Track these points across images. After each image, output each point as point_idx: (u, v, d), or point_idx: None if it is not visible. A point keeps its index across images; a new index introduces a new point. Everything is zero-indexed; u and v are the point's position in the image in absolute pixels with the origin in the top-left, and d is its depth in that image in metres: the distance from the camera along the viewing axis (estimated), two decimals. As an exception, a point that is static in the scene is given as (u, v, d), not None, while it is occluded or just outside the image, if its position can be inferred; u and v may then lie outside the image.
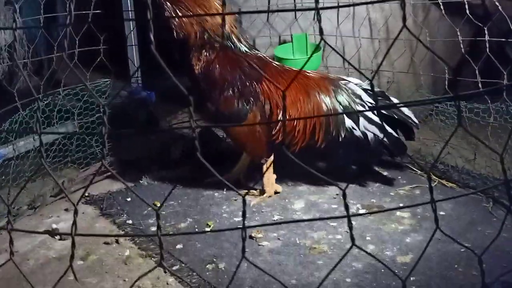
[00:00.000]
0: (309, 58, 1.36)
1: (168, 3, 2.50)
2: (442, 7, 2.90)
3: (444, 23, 3.24)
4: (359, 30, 3.54)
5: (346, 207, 1.14)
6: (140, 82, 3.96)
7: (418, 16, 3.60)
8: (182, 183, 2.84)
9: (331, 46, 1.17)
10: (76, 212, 1.13)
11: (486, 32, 2.60)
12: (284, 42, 3.60)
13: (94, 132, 3.00)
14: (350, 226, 1.14)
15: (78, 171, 2.90)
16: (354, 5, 1.34)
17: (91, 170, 2.91)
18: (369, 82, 2.71)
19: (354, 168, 2.97)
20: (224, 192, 2.74)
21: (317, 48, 2.59)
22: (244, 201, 1.10)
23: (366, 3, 3.17)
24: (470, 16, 2.67)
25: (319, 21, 1.17)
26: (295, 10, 3.33)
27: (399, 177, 2.86)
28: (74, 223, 1.12)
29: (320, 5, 1.10)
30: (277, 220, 2.50)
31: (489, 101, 2.64)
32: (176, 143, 3.20)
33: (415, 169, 2.91)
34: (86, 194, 2.75)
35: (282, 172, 2.75)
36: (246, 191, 2.73)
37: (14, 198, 2.37)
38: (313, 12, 3.47)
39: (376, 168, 2.96)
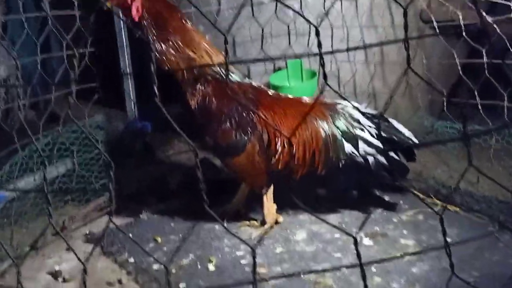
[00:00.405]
0: (315, 101, 1.35)
1: (156, 42, 2.50)
2: (437, 30, 2.90)
3: (440, 42, 3.24)
4: (354, 55, 3.53)
5: (359, 257, 1.12)
6: (136, 113, 3.95)
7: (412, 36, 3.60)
8: (182, 216, 2.82)
9: (330, 86, 1.15)
10: (85, 271, 1.11)
11: (484, 54, 2.59)
12: (279, 69, 3.59)
13: (93, 169, 2.98)
14: (364, 276, 1.12)
15: (79, 208, 2.88)
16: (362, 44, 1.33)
17: (91, 207, 2.90)
18: (367, 106, 2.71)
19: (355, 193, 2.94)
20: (225, 224, 2.70)
21: (313, 77, 2.58)
22: (254, 256, 1.08)
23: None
24: (467, 38, 2.66)
25: (323, 66, 1.16)
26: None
27: (401, 202, 2.84)
28: (84, 284, 1.10)
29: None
30: (279, 252, 2.46)
31: (490, 123, 2.63)
32: (173, 174, 3.18)
33: (416, 192, 2.89)
34: (87, 232, 2.73)
35: (282, 201, 2.72)
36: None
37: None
38: (307, 37, 3.52)
39: (377, 193, 2.94)
